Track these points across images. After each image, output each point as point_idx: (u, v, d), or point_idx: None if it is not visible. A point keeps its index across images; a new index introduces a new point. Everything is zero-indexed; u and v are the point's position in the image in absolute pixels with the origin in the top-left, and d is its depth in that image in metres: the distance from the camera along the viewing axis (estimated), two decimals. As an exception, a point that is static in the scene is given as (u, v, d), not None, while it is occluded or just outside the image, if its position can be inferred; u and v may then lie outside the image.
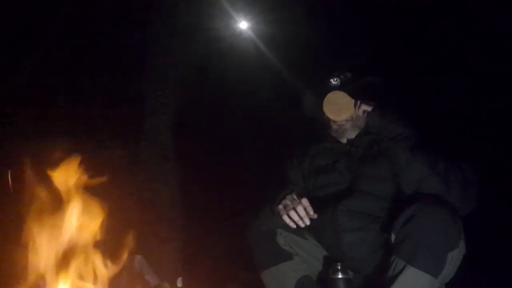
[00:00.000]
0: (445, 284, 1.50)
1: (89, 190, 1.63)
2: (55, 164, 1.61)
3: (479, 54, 2.94)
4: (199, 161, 3.27)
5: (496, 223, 2.40)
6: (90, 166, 1.66)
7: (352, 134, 1.81)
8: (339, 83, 1.79)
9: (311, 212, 1.52)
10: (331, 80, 1.79)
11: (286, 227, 1.69)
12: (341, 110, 1.74)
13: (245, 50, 3.36)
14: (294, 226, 1.54)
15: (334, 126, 1.81)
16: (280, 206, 1.56)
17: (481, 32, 2.90)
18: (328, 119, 1.82)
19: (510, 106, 2.68)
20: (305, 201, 1.53)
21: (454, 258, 1.42)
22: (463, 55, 2.96)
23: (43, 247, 1.52)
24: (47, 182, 1.59)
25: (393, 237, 1.48)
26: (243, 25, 3.38)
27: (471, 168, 1.54)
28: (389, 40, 3.15)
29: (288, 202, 1.55)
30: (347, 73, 1.80)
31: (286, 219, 1.54)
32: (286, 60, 3.01)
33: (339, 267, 1.56)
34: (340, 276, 1.55)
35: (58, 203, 1.58)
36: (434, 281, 1.39)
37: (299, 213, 1.52)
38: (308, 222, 1.52)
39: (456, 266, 1.45)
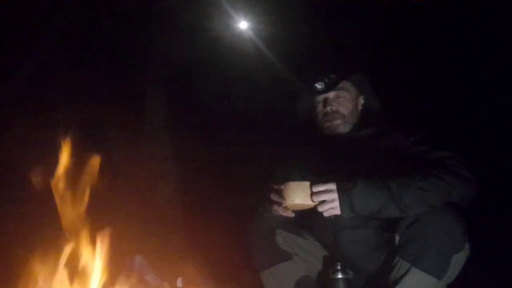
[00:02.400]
0: (447, 285, 1.50)
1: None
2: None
3: (478, 54, 2.94)
4: (199, 161, 3.27)
5: (496, 223, 2.40)
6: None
7: (344, 130, 1.80)
8: (324, 87, 1.78)
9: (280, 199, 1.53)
10: (316, 85, 1.79)
11: (284, 226, 1.70)
12: (303, 205, 1.57)
13: (245, 50, 3.36)
14: (282, 214, 1.55)
15: (326, 124, 1.81)
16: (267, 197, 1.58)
17: (480, 31, 2.91)
18: (322, 120, 1.82)
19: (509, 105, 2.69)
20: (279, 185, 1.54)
21: (458, 260, 1.43)
22: (462, 55, 2.96)
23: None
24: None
25: (397, 238, 1.49)
26: (243, 25, 3.38)
27: (449, 172, 1.47)
28: (389, 39, 3.16)
29: (273, 194, 1.56)
30: (331, 75, 1.79)
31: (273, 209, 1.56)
32: (285, 60, 3.01)
33: (339, 267, 1.56)
34: (340, 276, 1.55)
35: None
36: (438, 283, 1.39)
37: (277, 201, 1.54)
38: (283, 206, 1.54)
39: (459, 268, 1.46)
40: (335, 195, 1.46)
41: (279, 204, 1.53)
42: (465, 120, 2.85)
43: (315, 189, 1.48)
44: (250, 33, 3.37)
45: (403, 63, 3.00)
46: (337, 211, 1.46)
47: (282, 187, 1.52)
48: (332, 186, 1.47)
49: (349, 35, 3.27)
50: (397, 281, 1.42)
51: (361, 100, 1.86)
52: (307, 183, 1.51)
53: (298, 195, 1.50)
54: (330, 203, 1.46)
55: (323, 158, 1.74)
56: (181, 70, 3.39)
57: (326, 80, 1.78)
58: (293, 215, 1.57)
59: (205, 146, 3.30)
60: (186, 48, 3.30)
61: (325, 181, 1.49)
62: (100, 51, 3.25)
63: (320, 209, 1.47)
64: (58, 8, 3.10)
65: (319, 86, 1.78)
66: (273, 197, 1.54)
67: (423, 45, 3.12)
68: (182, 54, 3.31)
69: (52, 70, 3.12)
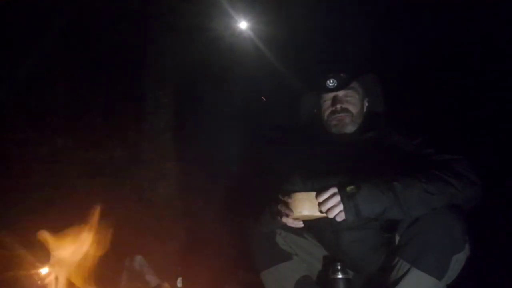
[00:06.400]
0: (446, 285, 1.50)
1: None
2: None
3: (479, 54, 2.94)
4: (199, 161, 3.27)
5: (496, 223, 2.40)
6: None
7: (351, 129, 1.81)
8: (336, 85, 1.78)
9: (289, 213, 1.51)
10: (328, 81, 1.78)
11: (285, 227, 1.70)
12: (311, 216, 1.55)
13: (245, 50, 3.36)
14: (292, 225, 1.55)
15: (334, 122, 1.81)
16: (275, 210, 1.57)
17: (481, 32, 2.91)
18: (330, 118, 1.82)
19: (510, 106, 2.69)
20: (287, 198, 1.53)
21: (458, 260, 1.42)
22: (463, 55, 2.96)
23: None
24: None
25: (397, 238, 1.49)
26: (243, 25, 3.38)
27: (452, 175, 1.46)
28: (389, 39, 3.15)
29: (280, 205, 1.55)
30: (341, 74, 1.79)
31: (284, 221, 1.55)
32: (285, 61, 3.01)
33: (339, 267, 1.56)
34: (340, 276, 1.55)
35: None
36: (438, 283, 1.39)
37: (285, 213, 1.52)
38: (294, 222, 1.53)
39: (459, 268, 1.46)
40: (339, 198, 1.46)
41: (287, 216, 1.52)
42: (464, 120, 2.85)
43: (320, 199, 1.47)
44: (250, 33, 3.37)
45: (404, 63, 3.00)
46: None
47: (288, 199, 1.51)
48: (334, 189, 1.47)
49: (350, 34, 3.26)
50: (397, 281, 1.42)
51: (366, 103, 1.87)
52: (314, 194, 1.50)
53: (305, 207, 1.50)
54: (337, 206, 1.46)
55: (325, 160, 1.74)
56: (181, 70, 3.39)
57: (337, 78, 1.78)
58: (302, 225, 1.57)
59: (204, 145, 3.30)
60: (186, 48, 3.30)
61: (327, 187, 1.49)
62: (100, 51, 3.25)
63: (330, 215, 1.47)
64: (58, 8, 3.10)
65: (330, 83, 1.77)
66: (281, 208, 1.54)
67: (424, 45, 3.12)
68: (182, 54, 3.31)
69: (52, 70, 3.12)
